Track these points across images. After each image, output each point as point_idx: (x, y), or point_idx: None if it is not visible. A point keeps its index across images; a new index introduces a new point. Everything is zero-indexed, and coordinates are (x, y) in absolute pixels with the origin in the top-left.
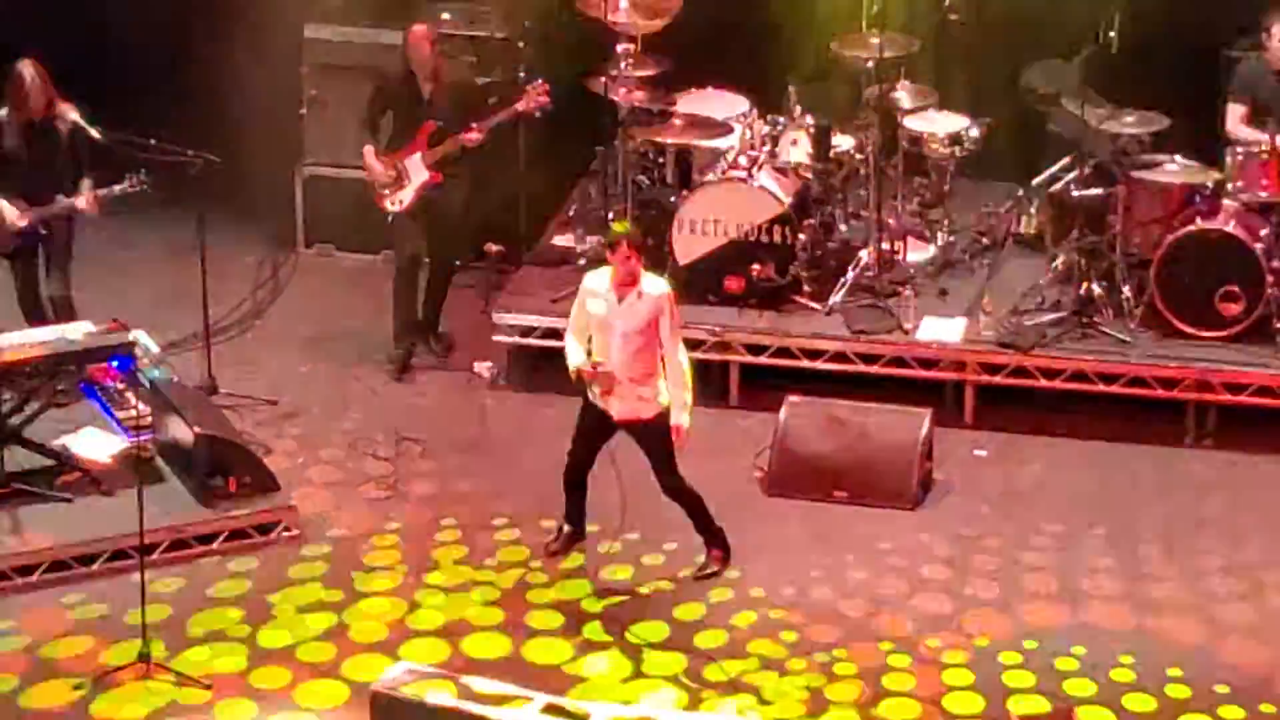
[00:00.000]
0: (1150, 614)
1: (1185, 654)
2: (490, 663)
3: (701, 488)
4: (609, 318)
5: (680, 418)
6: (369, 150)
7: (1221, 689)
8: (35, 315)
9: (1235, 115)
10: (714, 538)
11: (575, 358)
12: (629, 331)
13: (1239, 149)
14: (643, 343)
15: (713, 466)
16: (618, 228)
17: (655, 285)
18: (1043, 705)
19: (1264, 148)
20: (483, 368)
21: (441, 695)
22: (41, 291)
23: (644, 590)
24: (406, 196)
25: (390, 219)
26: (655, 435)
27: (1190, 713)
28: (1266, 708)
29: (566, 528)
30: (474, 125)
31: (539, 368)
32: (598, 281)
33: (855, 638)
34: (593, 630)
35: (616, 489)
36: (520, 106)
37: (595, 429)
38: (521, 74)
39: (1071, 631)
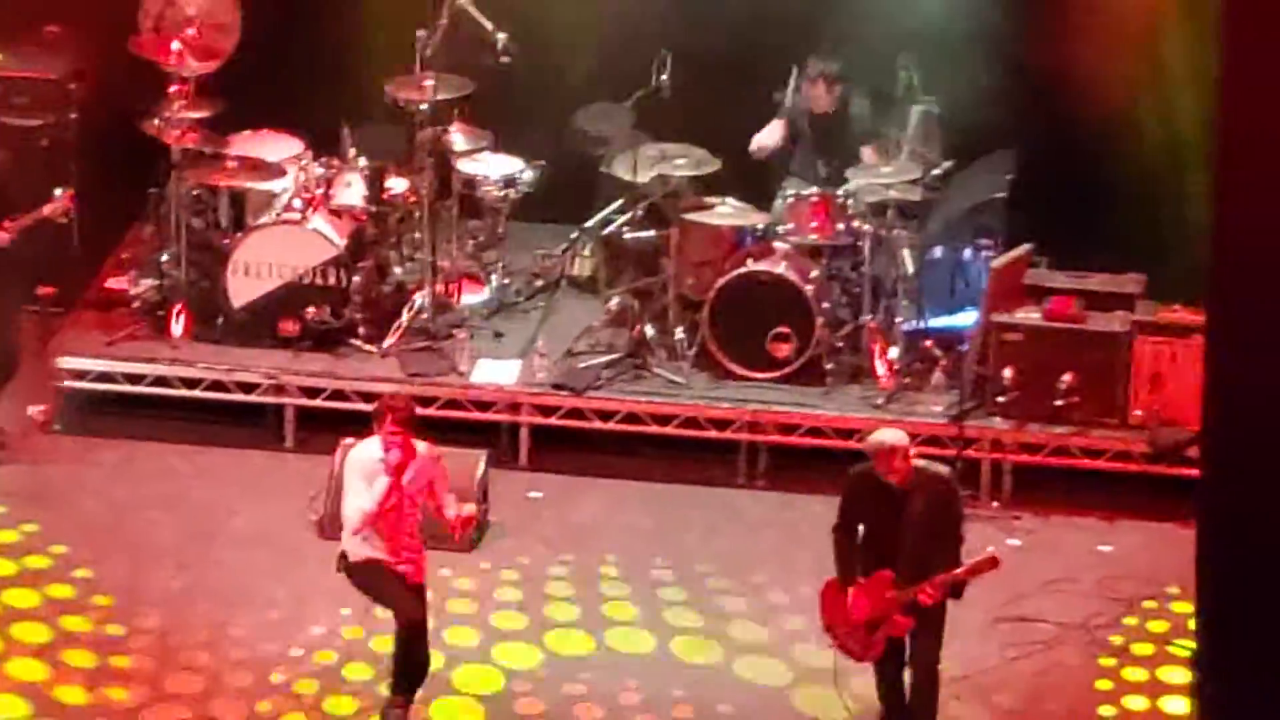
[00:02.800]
0: (670, 639)
1: (696, 677)
2: None
3: (256, 532)
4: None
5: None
6: None
7: (724, 708)
8: None
9: (772, 129)
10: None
11: None
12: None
13: (790, 191)
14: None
15: (267, 510)
16: None
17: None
18: None
19: (814, 191)
20: (35, 411)
21: None
22: None
23: None
24: None
25: None
26: None
27: None
28: None
29: None
30: (4, 224)
31: (93, 411)
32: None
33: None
34: None
35: None
36: (46, 211)
37: None
38: (74, 115)
39: (594, 657)
